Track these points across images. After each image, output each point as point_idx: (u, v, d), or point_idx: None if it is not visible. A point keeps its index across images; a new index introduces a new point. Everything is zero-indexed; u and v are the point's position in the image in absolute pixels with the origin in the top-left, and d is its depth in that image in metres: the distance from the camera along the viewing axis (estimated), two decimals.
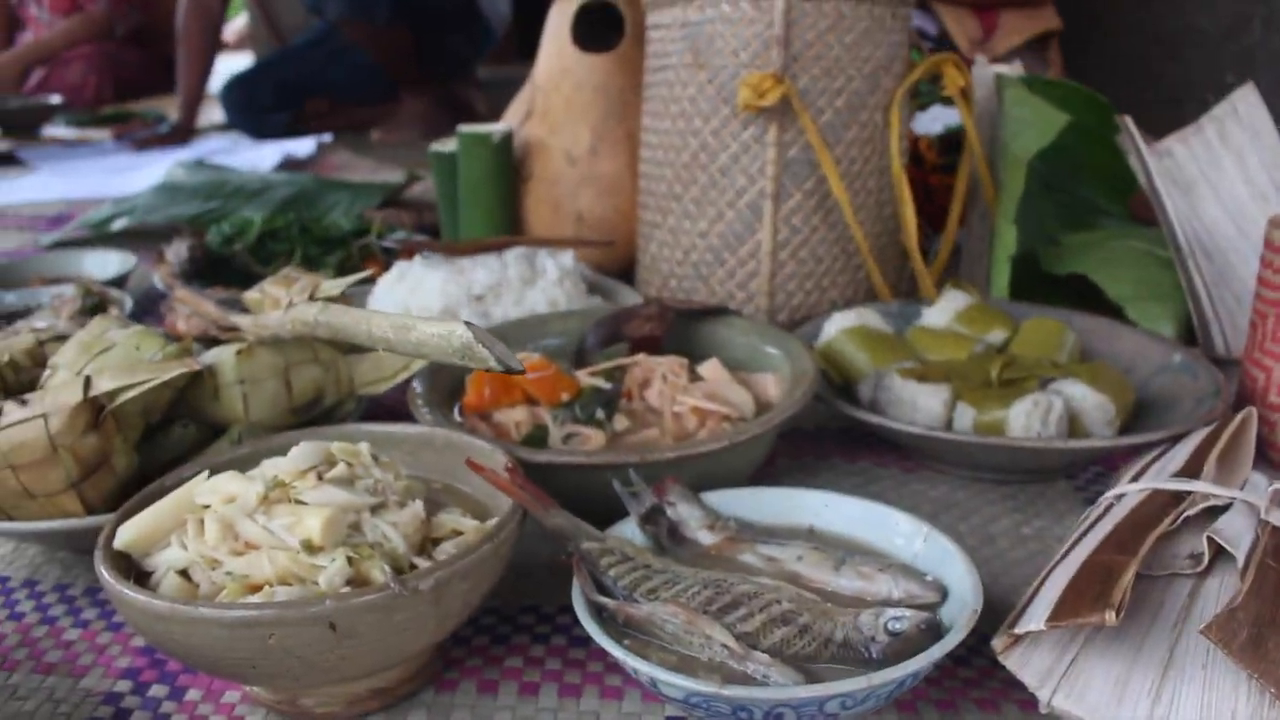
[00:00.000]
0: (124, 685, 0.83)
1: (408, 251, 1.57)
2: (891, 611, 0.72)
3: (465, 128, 1.63)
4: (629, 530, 0.85)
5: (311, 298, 0.97)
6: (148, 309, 1.71)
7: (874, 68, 1.34)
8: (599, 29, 1.71)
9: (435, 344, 0.73)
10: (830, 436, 1.23)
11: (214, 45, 3.52)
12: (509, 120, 1.73)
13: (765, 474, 1.12)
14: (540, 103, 1.67)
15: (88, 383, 0.89)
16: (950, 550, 0.80)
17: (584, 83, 1.64)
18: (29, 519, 0.91)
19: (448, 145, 1.71)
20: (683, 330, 1.22)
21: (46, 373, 1.00)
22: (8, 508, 0.90)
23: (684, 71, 1.36)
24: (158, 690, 0.83)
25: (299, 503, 0.76)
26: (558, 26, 1.67)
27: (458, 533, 0.81)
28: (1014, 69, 1.68)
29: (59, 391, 0.89)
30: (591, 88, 1.63)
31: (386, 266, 1.67)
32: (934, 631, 0.72)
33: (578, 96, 1.64)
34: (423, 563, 0.76)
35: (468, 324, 0.71)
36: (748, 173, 1.33)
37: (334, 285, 0.99)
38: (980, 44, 2.46)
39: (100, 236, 2.24)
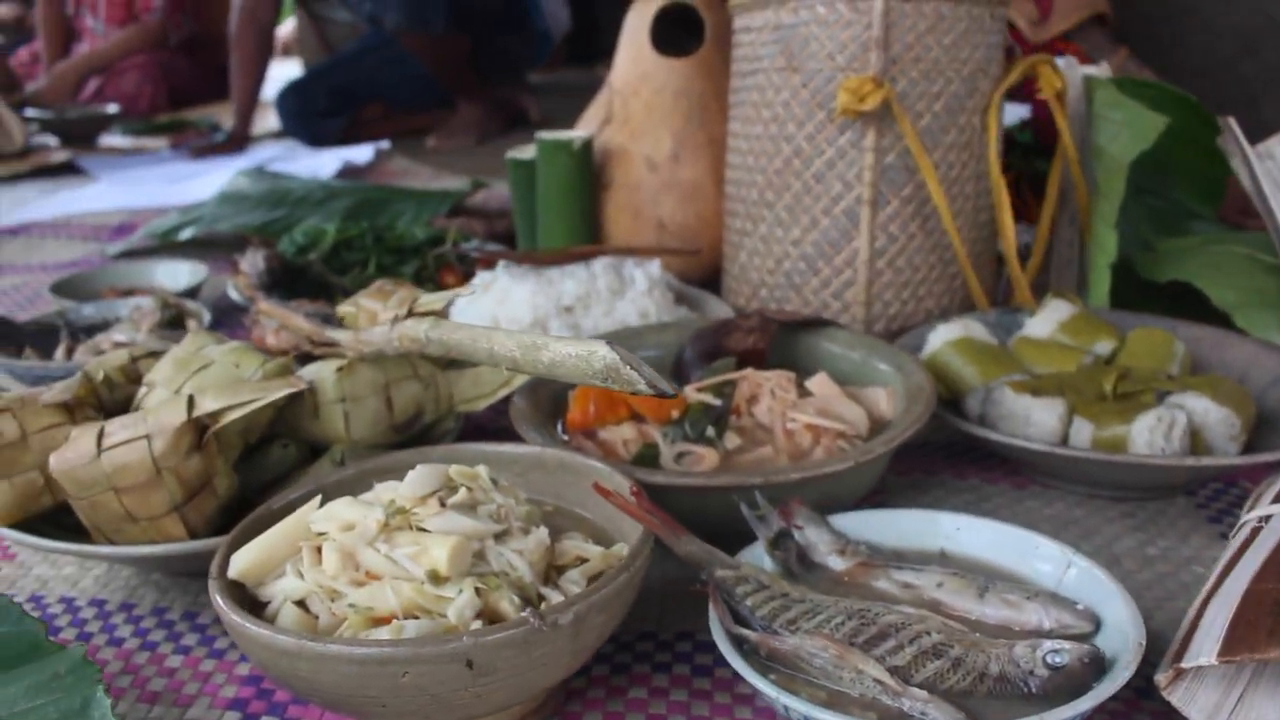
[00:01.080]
0: (232, 717, 0.81)
1: (486, 261, 1.54)
2: (1049, 644, 0.69)
3: (545, 134, 1.60)
4: (757, 555, 0.82)
5: (410, 312, 0.95)
6: (220, 320, 1.69)
7: (972, 70, 1.30)
8: (676, 32, 1.68)
9: (572, 364, 0.70)
10: (935, 451, 1.20)
11: (267, 53, 3.51)
12: (585, 126, 1.70)
13: (874, 492, 1.08)
14: (619, 108, 1.63)
15: (191, 402, 0.87)
16: (1101, 577, 0.76)
17: (664, 87, 1.60)
18: (130, 542, 0.88)
19: (526, 152, 1.68)
20: (781, 342, 1.18)
21: (142, 390, 0.98)
22: (109, 531, 0.88)
23: (776, 75, 1.32)
24: None
25: (421, 530, 0.73)
26: (636, 30, 1.64)
27: (581, 559, 0.78)
28: (1102, 70, 1.63)
29: (161, 412, 0.87)
30: (672, 92, 1.60)
31: (465, 276, 1.64)
32: (1097, 665, 0.68)
33: (658, 101, 1.60)
34: (549, 592, 0.73)
35: (610, 343, 0.67)
36: (844, 179, 1.29)
37: (436, 299, 0.95)
38: (1038, 25, 2.42)
39: (166, 246, 2.23)
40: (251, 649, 0.68)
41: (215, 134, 3.87)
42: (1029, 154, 1.90)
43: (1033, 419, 1.06)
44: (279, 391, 0.89)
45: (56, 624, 0.94)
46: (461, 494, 0.75)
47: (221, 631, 0.91)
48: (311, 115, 3.63)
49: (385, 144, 3.52)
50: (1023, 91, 1.93)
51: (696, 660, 0.84)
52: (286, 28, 6.15)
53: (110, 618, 0.94)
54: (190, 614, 0.94)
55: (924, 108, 1.28)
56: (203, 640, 0.90)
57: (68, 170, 3.37)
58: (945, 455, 1.19)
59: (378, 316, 0.98)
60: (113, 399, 1.00)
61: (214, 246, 2.21)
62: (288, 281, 1.61)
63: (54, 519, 0.94)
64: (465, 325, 0.83)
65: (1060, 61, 1.45)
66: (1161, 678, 0.69)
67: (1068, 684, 0.67)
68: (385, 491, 0.78)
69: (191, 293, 1.70)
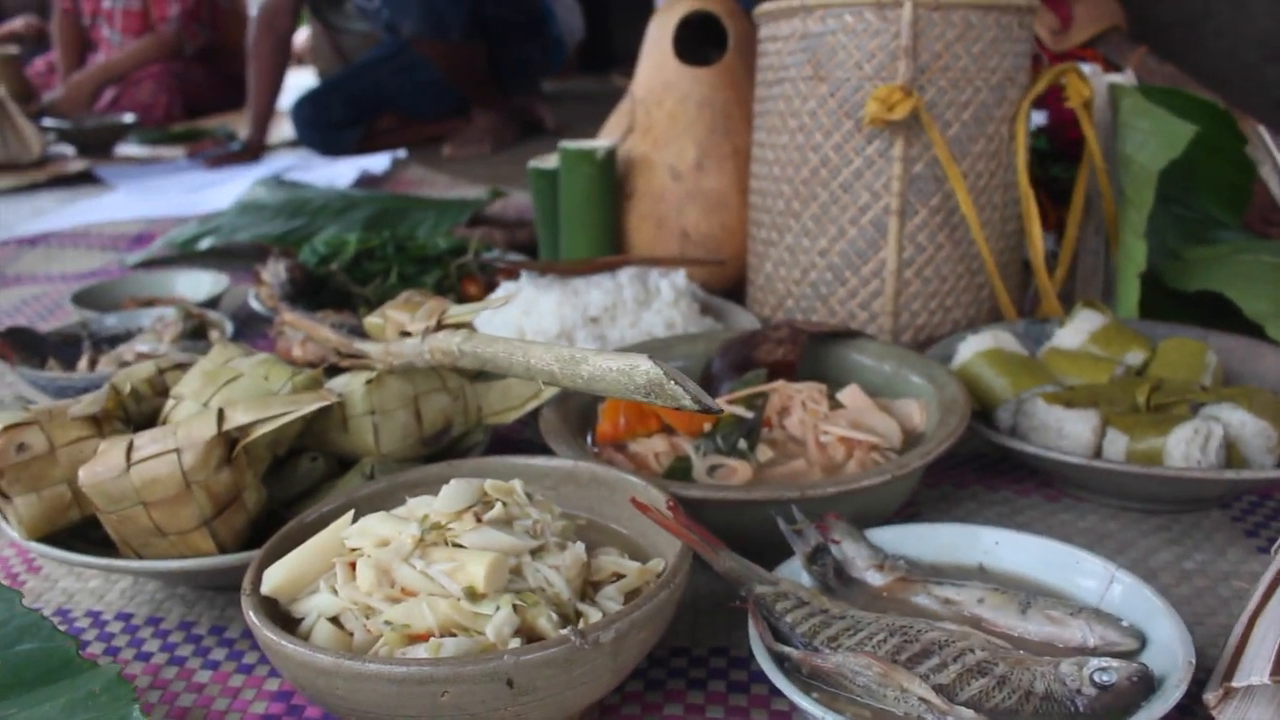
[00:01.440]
0: None
1: (509, 271, 1.53)
2: (1096, 661, 0.67)
3: (568, 143, 1.59)
4: (794, 570, 0.81)
5: (439, 324, 0.94)
6: (241, 331, 1.68)
7: (1001, 78, 1.29)
8: (699, 41, 1.67)
9: (613, 379, 0.69)
10: (965, 463, 1.18)
11: (284, 63, 3.51)
12: (607, 135, 1.69)
13: (904, 505, 1.07)
14: (642, 118, 1.63)
15: (221, 416, 0.86)
16: (1146, 594, 0.75)
17: (688, 96, 1.59)
18: (158, 556, 0.88)
19: (548, 162, 1.68)
20: (810, 354, 1.17)
21: (170, 403, 0.97)
22: (137, 545, 0.87)
23: (803, 84, 1.31)
24: None
25: (457, 546, 0.72)
26: (658, 40, 1.63)
27: (617, 575, 0.77)
28: (1128, 77, 1.62)
29: (191, 425, 0.86)
30: (696, 102, 1.59)
31: (488, 286, 1.63)
32: (1145, 683, 0.66)
33: (681, 111, 1.59)
34: (587, 609, 0.72)
35: (652, 357, 0.66)
36: (871, 189, 1.28)
37: (466, 311, 0.94)
38: (1059, 34, 2.42)
39: (185, 255, 2.23)
40: (287, 667, 0.67)
41: (232, 144, 3.87)
42: (1045, 160, 1.89)
43: (1065, 431, 1.05)
44: (310, 405, 0.88)
45: (84, 638, 0.93)
46: (497, 509, 0.74)
47: (249, 646, 0.90)
48: (327, 126, 3.63)
49: (401, 153, 3.52)
50: (1039, 97, 1.92)
51: (732, 676, 0.83)
52: (300, 37, 6.15)
53: (137, 632, 0.93)
54: (218, 628, 0.93)
55: (952, 117, 1.27)
56: (231, 655, 0.89)
57: (85, 180, 3.37)
58: (975, 467, 1.18)
59: (405, 328, 0.97)
60: (140, 411, 0.99)
61: (232, 256, 2.21)
62: (310, 292, 1.60)
63: (80, 532, 0.94)
64: (500, 338, 0.82)
65: (1084, 69, 1.44)
66: (1211, 696, 0.68)
67: (1116, 703, 0.66)
68: (419, 506, 0.77)
69: (212, 303, 1.70)
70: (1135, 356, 1.19)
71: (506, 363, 0.80)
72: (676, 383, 0.64)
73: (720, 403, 1.03)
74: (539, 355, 0.76)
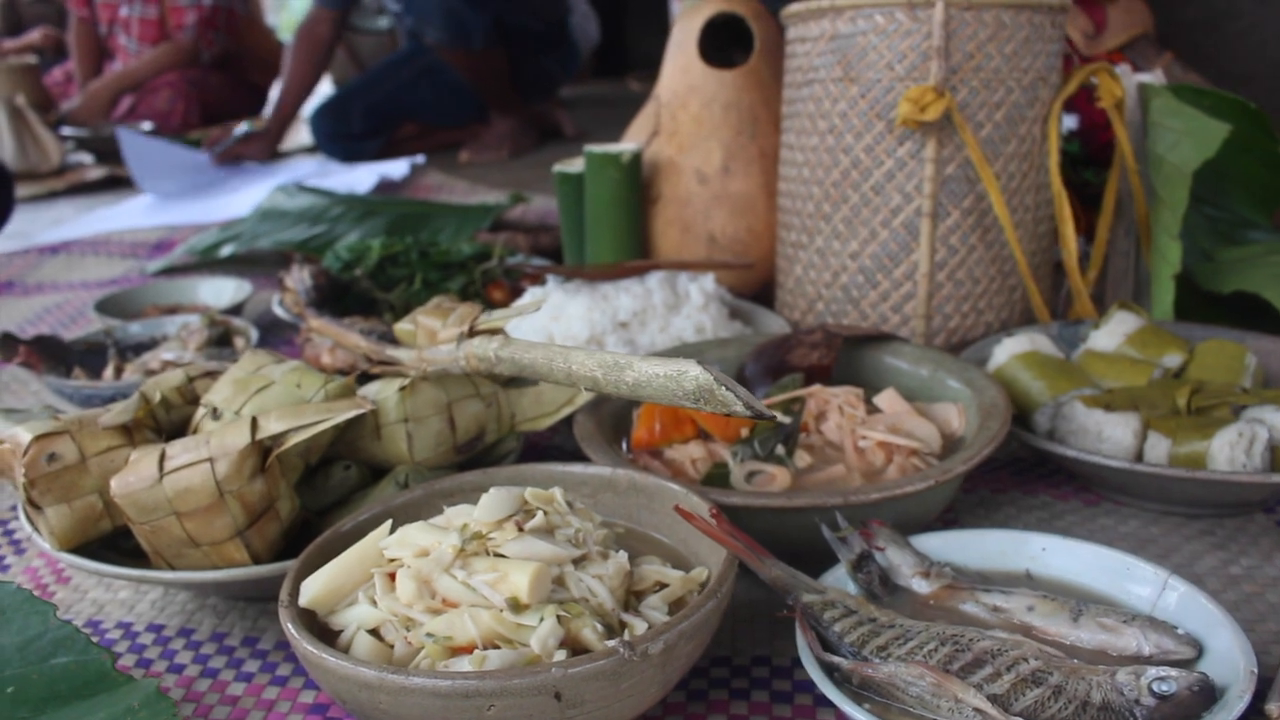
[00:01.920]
0: None
1: (534, 276, 1.52)
2: (1154, 671, 0.66)
3: (593, 147, 1.58)
4: (839, 578, 0.80)
5: (473, 330, 0.92)
6: (264, 337, 1.67)
7: (1033, 79, 1.27)
8: (724, 44, 1.66)
9: (660, 385, 0.68)
10: (1001, 468, 1.17)
11: (315, 70, 3.49)
12: (631, 139, 1.68)
13: (943, 510, 1.05)
14: (667, 121, 1.61)
15: (254, 424, 0.85)
16: (1202, 601, 0.74)
17: (714, 99, 1.58)
18: (190, 567, 0.87)
19: (573, 166, 1.66)
20: (843, 357, 1.16)
21: (200, 411, 0.96)
22: (170, 556, 0.86)
23: (833, 86, 1.30)
24: None
25: (499, 556, 0.71)
26: (683, 42, 1.62)
27: (661, 584, 0.75)
28: (1156, 78, 1.61)
29: (223, 434, 0.85)
30: (721, 104, 1.58)
31: (514, 292, 1.62)
32: (1207, 694, 0.65)
33: (707, 114, 1.58)
34: (631, 619, 0.70)
35: (701, 362, 0.65)
36: (903, 191, 1.27)
37: (499, 316, 0.93)
38: (1093, 39, 2.41)
39: (206, 262, 2.23)
40: (328, 680, 0.66)
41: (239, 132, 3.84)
42: (1076, 165, 1.88)
43: (1105, 434, 1.03)
44: (345, 413, 0.87)
45: (115, 650, 0.92)
46: (539, 518, 0.73)
47: (283, 658, 0.89)
48: (347, 137, 3.62)
49: (420, 158, 3.51)
50: (1071, 101, 1.91)
51: (775, 686, 0.82)
52: None
53: (169, 643, 0.92)
54: (250, 639, 0.92)
55: (984, 117, 1.25)
56: (264, 667, 0.88)
57: (104, 187, 3.37)
58: (1011, 471, 1.16)
59: (437, 335, 0.96)
60: (170, 420, 0.98)
61: (252, 263, 2.21)
62: (335, 298, 1.59)
63: (111, 542, 0.93)
64: (539, 344, 0.80)
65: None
66: (1274, 707, 0.67)
67: (1176, 714, 0.64)
68: (458, 515, 0.76)
69: (235, 310, 1.69)
70: (1173, 359, 1.17)
71: (546, 369, 0.78)
72: (727, 388, 0.63)
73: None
74: (580, 361, 0.74)
